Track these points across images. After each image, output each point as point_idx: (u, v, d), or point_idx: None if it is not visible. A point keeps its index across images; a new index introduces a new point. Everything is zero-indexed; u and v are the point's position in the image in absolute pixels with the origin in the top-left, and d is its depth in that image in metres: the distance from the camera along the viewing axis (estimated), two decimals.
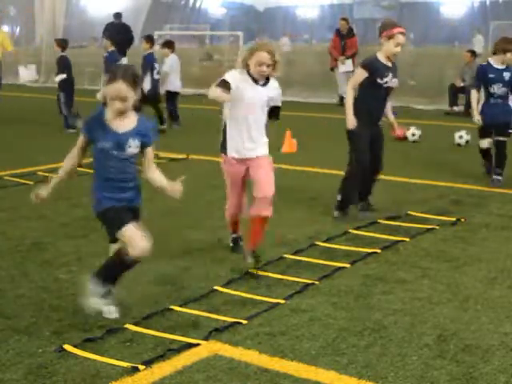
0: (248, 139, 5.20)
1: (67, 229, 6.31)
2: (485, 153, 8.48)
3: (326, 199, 7.40)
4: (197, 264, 5.37)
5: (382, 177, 7.20)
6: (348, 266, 5.34)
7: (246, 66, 5.10)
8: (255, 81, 5.12)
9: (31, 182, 8.19)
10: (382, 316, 4.40)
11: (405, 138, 11.51)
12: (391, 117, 6.95)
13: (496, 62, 8.19)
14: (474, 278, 5.11)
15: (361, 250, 5.72)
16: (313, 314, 4.42)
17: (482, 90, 8.32)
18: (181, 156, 9.88)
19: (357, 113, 6.47)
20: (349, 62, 17.13)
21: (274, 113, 5.32)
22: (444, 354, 3.88)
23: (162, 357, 3.80)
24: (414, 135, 11.60)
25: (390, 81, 6.51)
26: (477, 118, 8.23)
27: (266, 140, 5.31)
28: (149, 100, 12.84)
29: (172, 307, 4.48)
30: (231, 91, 4.96)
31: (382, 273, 5.22)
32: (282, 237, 6.07)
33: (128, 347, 3.94)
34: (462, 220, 6.65)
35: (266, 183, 5.22)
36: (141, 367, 3.67)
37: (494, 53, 8.25)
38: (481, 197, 7.64)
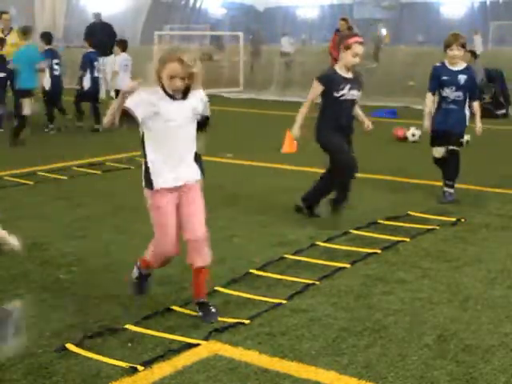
0: (175, 164, 4.24)
1: (67, 229, 6.31)
2: (439, 163, 7.54)
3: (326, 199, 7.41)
4: None
5: (382, 177, 7.20)
6: (348, 266, 5.34)
7: (159, 80, 4.13)
8: (171, 96, 4.16)
9: (31, 182, 8.19)
10: (382, 316, 4.40)
11: (405, 139, 11.51)
12: (363, 118, 6.65)
13: (449, 63, 7.25)
14: (474, 278, 5.11)
15: (361, 250, 5.72)
16: (313, 314, 4.42)
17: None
18: None
19: (325, 120, 6.40)
20: None
21: (203, 124, 4.37)
22: (444, 354, 3.88)
23: (161, 357, 3.80)
24: (413, 135, 11.60)
25: (347, 93, 6.31)
26: (426, 124, 7.39)
27: (193, 159, 4.34)
28: (88, 98, 13.09)
29: (172, 307, 4.48)
30: (142, 117, 4.15)
31: (382, 273, 5.22)
32: (281, 237, 6.08)
33: (128, 347, 3.94)
34: (462, 220, 6.64)
35: (197, 221, 4.29)
36: (140, 368, 3.68)
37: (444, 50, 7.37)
38: (481, 197, 7.64)
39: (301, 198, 6.78)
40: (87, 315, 4.35)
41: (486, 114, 15.18)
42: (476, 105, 7.35)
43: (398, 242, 5.96)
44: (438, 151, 7.39)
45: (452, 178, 7.43)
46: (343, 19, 17.74)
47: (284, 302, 4.61)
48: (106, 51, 18.22)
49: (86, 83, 13.08)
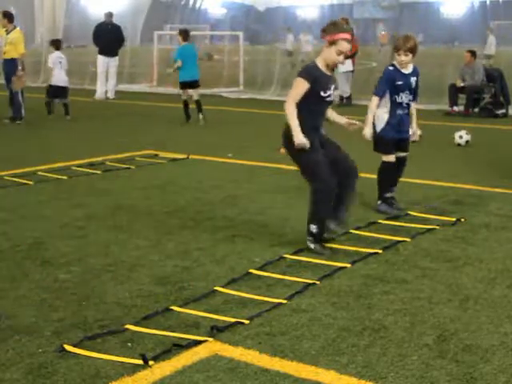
0: None
1: (67, 229, 6.31)
2: (392, 170, 7.04)
3: None
4: (197, 264, 5.37)
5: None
6: (348, 265, 5.34)
7: None
8: None
9: (31, 182, 8.19)
10: (382, 316, 4.40)
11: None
12: (340, 119, 5.95)
13: (400, 66, 6.79)
14: (474, 278, 5.11)
15: (361, 250, 5.72)
16: (313, 314, 4.42)
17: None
18: (181, 156, 9.88)
19: (302, 123, 5.51)
20: (348, 61, 17.14)
21: None
22: (444, 354, 3.88)
23: (161, 357, 3.80)
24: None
25: (332, 94, 5.67)
26: (368, 131, 6.73)
27: None
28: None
29: (172, 307, 4.48)
30: None
31: (382, 273, 5.22)
32: (281, 236, 6.08)
33: (128, 347, 3.94)
34: (462, 220, 6.64)
35: None
36: (140, 367, 3.68)
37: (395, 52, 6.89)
38: (481, 197, 7.64)
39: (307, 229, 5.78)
40: (87, 315, 4.35)
41: (486, 113, 15.26)
42: (414, 107, 7.05)
43: (398, 241, 5.96)
44: (394, 158, 6.95)
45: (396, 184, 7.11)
46: (343, 19, 17.75)
47: (284, 301, 4.61)
48: (112, 52, 18.31)
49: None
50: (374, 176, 7.13)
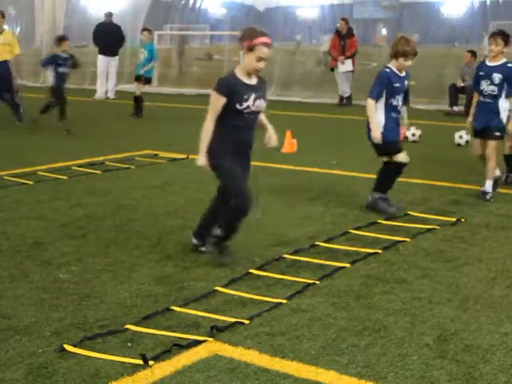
0: None
1: (67, 229, 6.31)
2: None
3: (326, 199, 7.41)
4: (197, 264, 5.37)
5: None
6: (348, 265, 5.34)
7: None
8: None
9: (31, 182, 8.19)
10: (382, 316, 4.40)
11: (405, 138, 11.50)
12: (269, 128, 5.59)
13: (397, 70, 6.80)
14: (474, 278, 5.11)
15: (361, 250, 5.72)
16: (313, 314, 4.42)
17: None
18: (181, 156, 9.88)
19: (222, 140, 5.24)
20: (348, 62, 17.17)
21: None
22: (444, 354, 3.88)
23: (161, 357, 3.80)
24: (413, 135, 11.61)
25: (252, 105, 5.17)
26: (378, 134, 6.71)
27: None
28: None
29: (172, 307, 4.48)
30: None
31: (382, 273, 5.22)
32: (281, 236, 6.08)
33: (128, 347, 3.94)
34: (462, 220, 6.64)
35: None
36: (140, 367, 3.68)
37: (393, 56, 6.76)
38: (481, 197, 7.63)
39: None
40: (87, 315, 4.35)
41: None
42: (405, 109, 7.34)
43: (398, 241, 5.96)
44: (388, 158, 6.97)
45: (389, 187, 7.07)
46: (343, 19, 17.77)
47: (284, 301, 4.61)
48: (112, 52, 18.32)
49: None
50: (372, 176, 7.13)
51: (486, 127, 7.55)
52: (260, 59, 5.09)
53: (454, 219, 6.65)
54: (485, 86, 7.52)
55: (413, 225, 6.48)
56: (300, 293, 4.77)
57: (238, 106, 5.13)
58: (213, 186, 5.64)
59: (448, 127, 12.99)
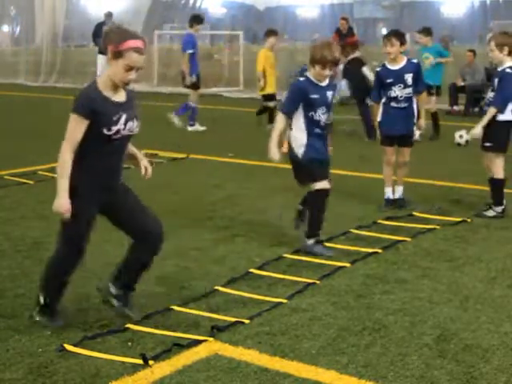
0: None
1: None
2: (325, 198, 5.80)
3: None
4: (197, 264, 5.37)
5: (382, 177, 7.18)
6: (348, 265, 5.34)
7: None
8: None
9: (31, 182, 8.19)
10: (382, 316, 4.40)
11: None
12: (139, 156, 4.56)
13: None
14: (474, 278, 5.11)
15: (361, 249, 5.72)
16: (313, 314, 4.42)
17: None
18: (181, 156, 9.88)
19: (86, 174, 4.05)
20: None
21: None
22: (444, 354, 3.88)
23: (162, 356, 3.80)
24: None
25: (123, 129, 4.03)
26: (273, 152, 5.83)
27: None
28: None
29: (172, 307, 4.48)
30: None
31: (383, 272, 5.22)
32: (281, 236, 6.08)
33: (128, 347, 3.94)
34: (468, 220, 6.63)
35: None
36: (140, 367, 3.68)
37: (310, 63, 5.73)
38: (481, 197, 7.63)
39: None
40: (87, 315, 4.35)
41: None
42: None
43: (399, 241, 5.96)
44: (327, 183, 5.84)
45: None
46: (343, 18, 17.77)
47: (284, 301, 4.61)
48: None
49: None
50: (375, 176, 7.13)
51: (406, 135, 7.11)
52: (129, 68, 3.95)
53: (459, 219, 6.61)
54: (398, 91, 6.94)
55: (413, 224, 6.48)
56: (300, 292, 4.77)
57: (105, 131, 3.97)
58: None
59: (448, 127, 12.98)
